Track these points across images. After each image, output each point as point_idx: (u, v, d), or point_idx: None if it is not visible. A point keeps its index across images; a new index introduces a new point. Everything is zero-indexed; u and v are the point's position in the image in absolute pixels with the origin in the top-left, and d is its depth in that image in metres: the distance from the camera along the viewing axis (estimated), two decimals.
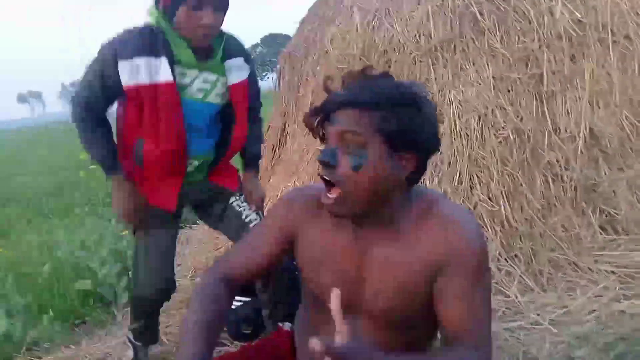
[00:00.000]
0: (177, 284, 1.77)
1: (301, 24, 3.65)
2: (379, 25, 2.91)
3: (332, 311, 0.73)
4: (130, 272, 3.08)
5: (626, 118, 2.42)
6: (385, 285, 0.89)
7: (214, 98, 1.53)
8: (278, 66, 3.82)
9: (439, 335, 0.92)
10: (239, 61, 1.54)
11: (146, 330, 1.82)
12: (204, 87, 1.50)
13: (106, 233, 3.64)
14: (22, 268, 3.35)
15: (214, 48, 1.49)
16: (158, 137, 1.44)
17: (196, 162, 1.59)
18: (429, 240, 0.85)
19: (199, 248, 3.41)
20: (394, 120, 0.80)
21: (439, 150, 0.91)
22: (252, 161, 1.77)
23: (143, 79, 1.37)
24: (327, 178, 0.84)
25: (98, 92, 1.43)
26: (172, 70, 1.40)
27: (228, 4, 1.43)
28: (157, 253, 1.61)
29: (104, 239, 3.49)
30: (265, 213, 1.46)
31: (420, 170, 0.88)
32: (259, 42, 60.41)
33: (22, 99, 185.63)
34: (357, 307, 0.92)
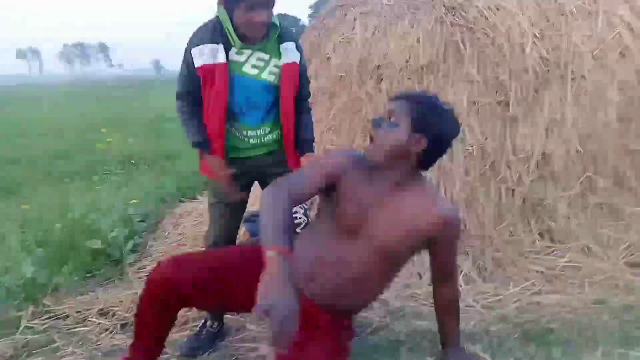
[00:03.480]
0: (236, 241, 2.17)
1: (307, 30, 4.02)
2: (375, 42, 3.31)
3: None
4: (135, 237, 3.52)
5: (573, 146, 2.83)
6: (385, 222, 1.39)
7: (268, 76, 1.81)
8: None
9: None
10: (291, 45, 1.81)
11: None
12: (258, 64, 1.79)
13: (117, 200, 4.03)
14: (37, 225, 3.73)
15: (269, 32, 1.75)
16: (209, 113, 1.82)
17: (252, 138, 1.89)
18: (430, 215, 1.39)
19: (199, 220, 3.82)
20: (418, 113, 1.35)
21: (443, 148, 1.43)
22: (305, 145, 1.97)
23: (207, 60, 1.73)
24: (372, 135, 1.40)
25: (186, 79, 1.82)
26: (227, 54, 1.74)
27: (275, 1, 1.68)
28: (216, 218, 2.06)
29: (114, 205, 3.89)
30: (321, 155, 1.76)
31: (427, 155, 1.39)
32: None
33: (21, 55, 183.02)
34: (365, 234, 1.41)
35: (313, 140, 2.01)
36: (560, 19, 3.06)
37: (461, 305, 2.24)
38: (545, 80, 2.94)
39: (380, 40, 3.29)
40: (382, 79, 3.20)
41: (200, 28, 1.79)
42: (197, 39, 1.77)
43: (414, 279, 2.55)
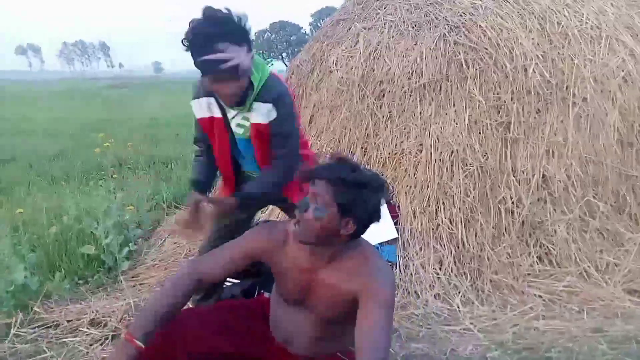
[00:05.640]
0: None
1: (311, 42, 4.01)
2: (378, 57, 3.30)
3: None
4: (130, 244, 3.48)
5: (573, 169, 2.83)
6: (324, 296, 1.39)
7: (248, 132, 1.84)
8: (286, 75, 4.18)
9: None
10: (267, 107, 1.74)
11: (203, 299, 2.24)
12: (242, 123, 1.81)
13: (112, 205, 3.98)
14: (30, 228, 3.68)
15: (247, 96, 1.72)
16: (218, 158, 1.92)
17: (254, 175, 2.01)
18: (357, 278, 1.34)
19: None
20: (344, 199, 1.27)
21: (373, 220, 1.35)
22: (240, 191, 1.91)
23: (204, 114, 1.81)
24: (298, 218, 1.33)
25: (197, 126, 1.89)
26: (221, 108, 1.79)
27: (245, 72, 1.61)
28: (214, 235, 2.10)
29: (109, 210, 3.84)
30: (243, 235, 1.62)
31: (359, 231, 1.35)
32: (268, 27, 60.29)
33: (21, 51, 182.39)
34: (307, 306, 1.44)
35: (247, 196, 1.88)
36: (564, 42, 3.08)
37: (458, 327, 2.25)
38: (547, 103, 2.94)
39: (382, 56, 3.29)
40: (384, 95, 3.20)
41: (199, 81, 1.81)
42: (195, 92, 1.82)
43: (411, 298, 2.52)
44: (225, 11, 1.54)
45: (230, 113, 1.81)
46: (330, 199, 1.27)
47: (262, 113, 1.75)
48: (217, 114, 1.79)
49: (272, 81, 1.76)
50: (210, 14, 1.52)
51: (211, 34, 1.50)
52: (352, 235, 1.34)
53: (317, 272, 1.40)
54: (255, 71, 1.70)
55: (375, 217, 1.33)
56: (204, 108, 1.79)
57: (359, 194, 1.27)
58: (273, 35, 59.82)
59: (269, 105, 1.75)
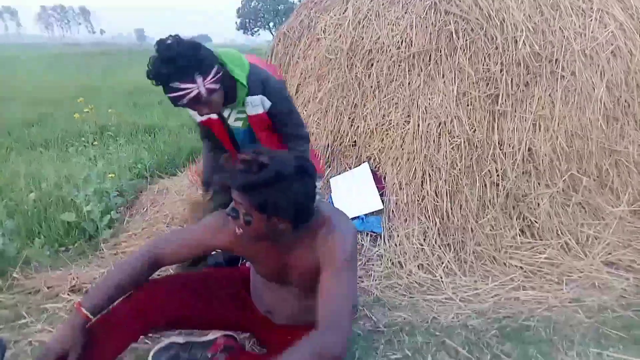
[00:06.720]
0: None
1: (299, 8, 3.90)
2: (368, 25, 3.23)
3: None
4: (111, 212, 3.42)
5: (559, 143, 2.84)
6: (299, 273, 1.41)
7: (246, 123, 1.98)
8: (272, 43, 4.08)
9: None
10: (257, 99, 1.85)
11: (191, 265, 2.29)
12: (240, 117, 1.94)
13: (92, 172, 3.89)
14: (9, 194, 3.59)
15: (239, 94, 1.82)
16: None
17: None
18: (318, 246, 1.35)
19: (178, 198, 3.73)
20: (261, 204, 1.25)
21: (309, 217, 1.35)
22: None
23: (202, 117, 1.95)
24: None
25: (197, 128, 2.13)
26: None
27: (210, 93, 1.66)
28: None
29: (89, 178, 3.76)
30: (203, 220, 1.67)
31: (300, 218, 1.32)
32: None
33: None
34: (285, 282, 1.48)
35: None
36: (555, 13, 3.04)
37: (440, 297, 2.28)
38: (535, 76, 2.92)
39: (372, 24, 3.22)
40: (372, 64, 3.14)
41: None
42: None
43: (395, 268, 2.53)
44: (176, 42, 1.57)
45: (225, 112, 1.93)
46: (248, 205, 1.26)
47: (256, 104, 1.85)
48: (214, 115, 1.93)
49: (255, 71, 1.83)
50: (161, 50, 1.56)
51: (164, 75, 1.56)
52: (294, 224, 1.32)
53: (285, 256, 1.42)
54: (236, 68, 1.76)
55: (306, 200, 1.30)
56: None
57: (271, 192, 1.23)
58: (260, 4, 58.18)
59: (259, 97, 1.84)
